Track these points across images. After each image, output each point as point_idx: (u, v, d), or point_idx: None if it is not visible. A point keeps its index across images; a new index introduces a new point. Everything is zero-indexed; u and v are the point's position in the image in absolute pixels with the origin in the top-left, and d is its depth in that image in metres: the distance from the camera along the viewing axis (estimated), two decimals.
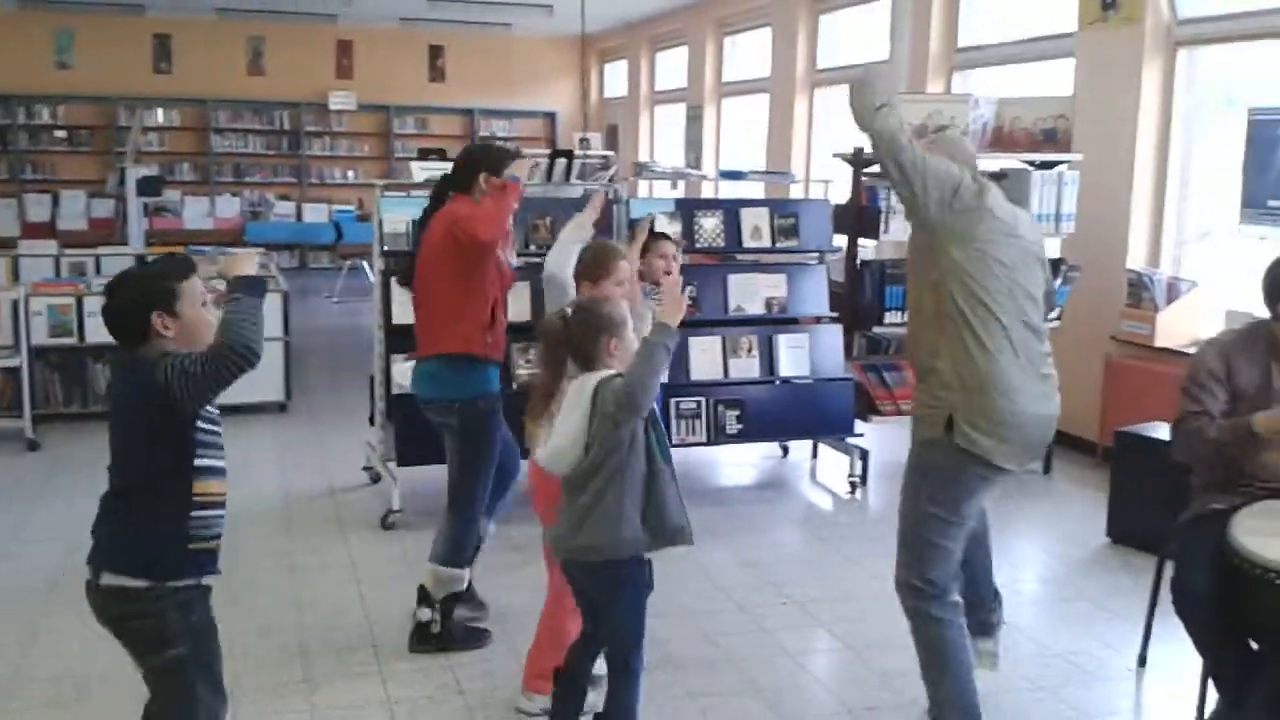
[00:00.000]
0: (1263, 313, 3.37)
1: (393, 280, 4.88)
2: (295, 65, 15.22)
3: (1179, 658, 3.82)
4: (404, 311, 5.06)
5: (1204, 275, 6.22)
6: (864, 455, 5.85)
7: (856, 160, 5.88)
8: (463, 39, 15.65)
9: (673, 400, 5.53)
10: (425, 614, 3.91)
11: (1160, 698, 3.76)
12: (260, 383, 7.19)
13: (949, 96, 7.37)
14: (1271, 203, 5.46)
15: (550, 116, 16.61)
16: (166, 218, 13.74)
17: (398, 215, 5.46)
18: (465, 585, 4.01)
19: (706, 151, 12.14)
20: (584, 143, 13.13)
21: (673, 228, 5.74)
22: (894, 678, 3.78)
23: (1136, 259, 6.41)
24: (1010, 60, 7.71)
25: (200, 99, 15.02)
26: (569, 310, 3.08)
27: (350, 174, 15.85)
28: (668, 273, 4.04)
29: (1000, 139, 6.28)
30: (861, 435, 5.92)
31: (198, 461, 2.50)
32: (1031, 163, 6.10)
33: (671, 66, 13.86)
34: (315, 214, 14.76)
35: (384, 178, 14.00)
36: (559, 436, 2.94)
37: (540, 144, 15.69)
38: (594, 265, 3.54)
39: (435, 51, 15.98)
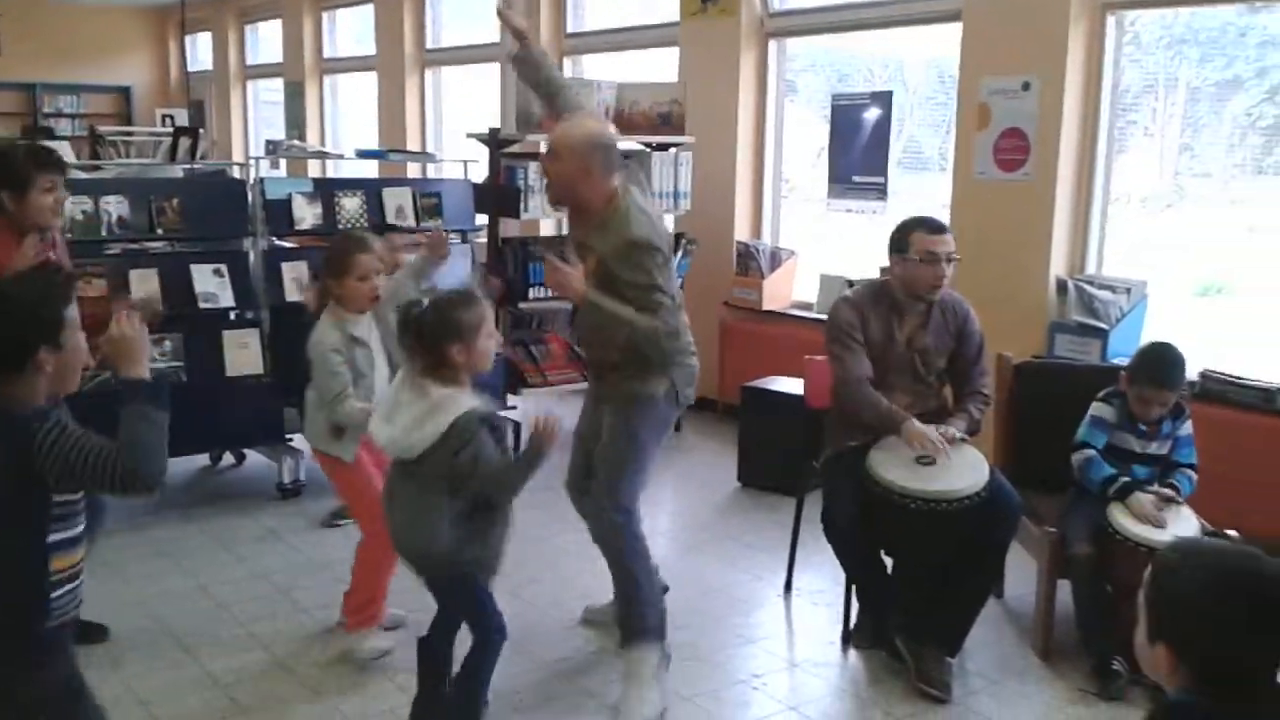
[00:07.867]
0: (853, 275, 3.92)
1: None
2: None
3: (818, 582, 4.38)
4: None
5: (800, 245, 6.99)
6: (517, 427, 6.04)
7: (493, 140, 6.03)
8: (18, 7, 13.98)
9: None
10: None
11: (809, 617, 4.23)
12: None
13: (575, 80, 7.68)
14: (855, 178, 6.24)
15: (125, 91, 15.34)
16: None
17: None
18: None
19: (311, 130, 11.78)
20: (168, 120, 12.30)
21: (312, 209, 5.63)
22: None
23: (742, 231, 7.08)
24: (619, 47, 8.16)
25: None
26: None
27: None
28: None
29: (621, 121, 6.61)
30: (515, 408, 6.11)
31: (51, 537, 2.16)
32: (650, 144, 6.53)
33: (266, 41, 13.26)
34: None
35: None
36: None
37: (115, 121, 14.45)
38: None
39: None
